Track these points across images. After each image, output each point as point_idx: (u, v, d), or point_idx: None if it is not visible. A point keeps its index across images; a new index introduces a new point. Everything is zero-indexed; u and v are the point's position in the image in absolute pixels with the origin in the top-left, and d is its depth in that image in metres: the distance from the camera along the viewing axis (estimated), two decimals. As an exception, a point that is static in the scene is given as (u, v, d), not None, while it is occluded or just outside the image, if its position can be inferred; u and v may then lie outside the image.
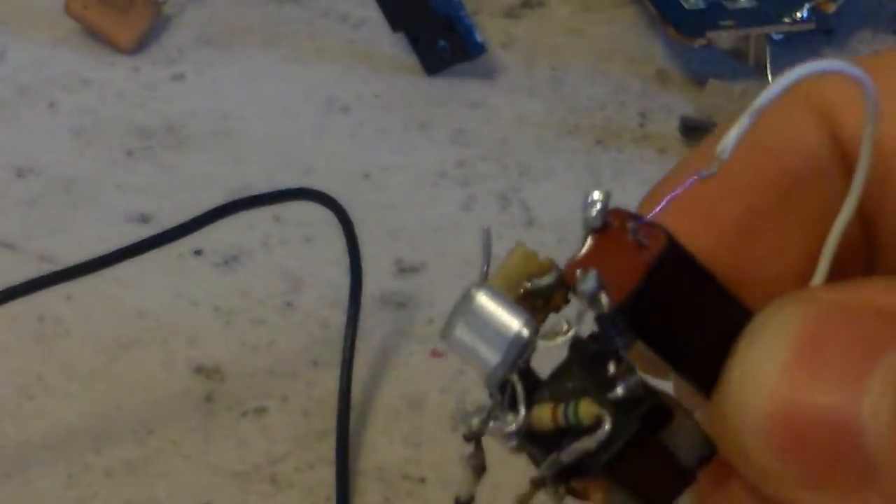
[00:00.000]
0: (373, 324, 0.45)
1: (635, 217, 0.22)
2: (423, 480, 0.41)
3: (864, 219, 0.24)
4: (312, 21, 0.56)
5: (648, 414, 0.21)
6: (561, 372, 0.22)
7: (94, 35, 0.54)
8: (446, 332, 0.22)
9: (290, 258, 0.47)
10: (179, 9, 0.56)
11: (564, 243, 0.47)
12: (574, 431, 0.21)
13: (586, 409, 0.21)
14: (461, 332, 0.22)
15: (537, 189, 0.49)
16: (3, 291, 0.40)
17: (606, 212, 0.22)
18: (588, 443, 0.21)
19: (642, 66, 0.53)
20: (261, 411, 0.43)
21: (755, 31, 0.51)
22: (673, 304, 0.22)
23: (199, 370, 0.44)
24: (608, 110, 0.52)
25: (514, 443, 0.22)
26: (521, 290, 0.22)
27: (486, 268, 0.22)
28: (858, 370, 0.20)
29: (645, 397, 0.21)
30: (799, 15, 0.51)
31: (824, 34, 0.54)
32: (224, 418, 0.43)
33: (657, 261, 0.21)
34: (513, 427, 0.21)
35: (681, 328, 0.22)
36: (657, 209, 0.22)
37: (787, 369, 0.21)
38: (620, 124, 0.51)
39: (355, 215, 0.43)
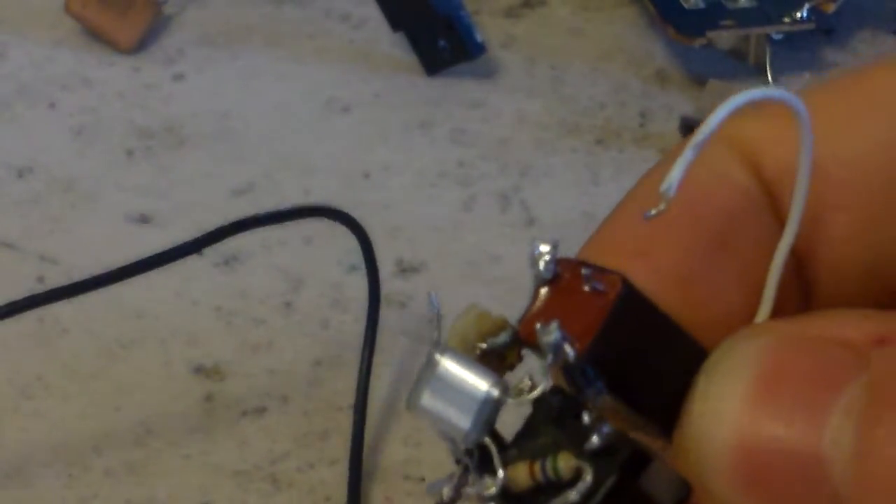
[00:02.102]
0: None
1: (586, 265, 0.22)
2: (423, 480, 0.41)
3: (798, 256, 0.24)
4: (312, 21, 0.56)
5: (627, 461, 0.21)
6: (527, 430, 0.22)
7: (94, 35, 0.54)
8: (412, 402, 0.21)
9: (290, 258, 0.47)
10: (179, 8, 0.56)
11: (564, 243, 0.47)
12: (553, 487, 0.21)
13: (565, 462, 0.21)
14: (428, 401, 0.21)
15: (537, 189, 0.49)
16: (22, 301, 0.40)
17: (556, 263, 0.22)
18: (570, 496, 0.21)
19: (642, 66, 0.53)
20: (261, 411, 0.43)
21: (755, 31, 0.51)
22: (632, 348, 0.21)
23: (199, 370, 0.44)
24: (608, 110, 0.52)
25: None
26: (477, 352, 0.22)
27: (437, 332, 0.22)
28: (818, 401, 0.20)
29: (622, 444, 0.21)
30: (799, 15, 0.51)
31: (824, 34, 0.54)
32: (224, 418, 0.43)
33: (615, 305, 0.21)
34: (492, 490, 0.21)
35: (640, 371, 0.22)
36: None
37: (747, 402, 0.21)
38: (620, 124, 0.51)
39: (355, 215, 0.43)
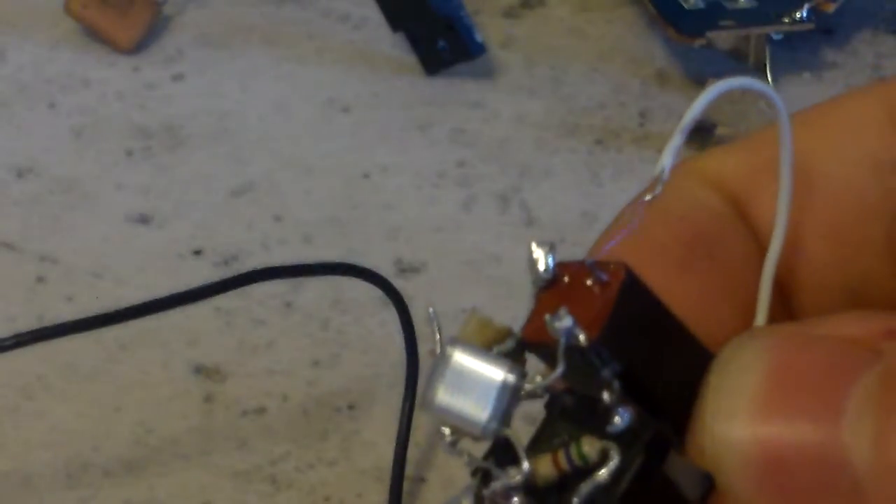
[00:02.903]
0: (372, 324, 0.45)
1: (586, 261, 0.22)
2: (423, 480, 0.41)
3: (779, 280, 0.24)
4: (312, 21, 0.56)
5: (652, 441, 0.21)
6: (542, 432, 0.22)
7: (94, 35, 0.54)
8: (427, 401, 0.21)
9: (290, 258, 0.47)
10: (179, 9, 0.56)
11: (564, 243, 0.47)
12: (579, 475, 0.21)
13: (590, 445, 0.21)
14: (443, 396, 0.21)
15: (537, 189, 0.49)
16: (85, 320, 0.40)
17: (556, 265, 0.22)
18: (601, 476, 0.20)
19: (642, 66, 0.53)
20: (260, 411, 0.43)
21: (755, 31, 0.51)
22: (638, 341, 0.21)
23: (199, 370, 0.44)
24: (608, 110, 0.52)
25: (518, 500, 0.21)
26: None
27: (439, 342, 0.21)
28: (833, 392, 0.20)
29: (644, 425, 0.21)
30: (798, 15, 0.51)
31: (824, 34, 0.54)
32: (224, 418, 0.43)
33: (622, 291, 0.21)
34: (518, 478, 0.21)
35: (646, 367, 0.22)
36: (618, 237, 0.22)
37: (761, 397, 0.21)
38: (620, 124, 0.51)
39: (355, 215, 0.43)
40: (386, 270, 0.46)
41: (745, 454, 0.21)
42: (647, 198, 0.22)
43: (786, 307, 0.25)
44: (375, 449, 0.42)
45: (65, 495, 0.41)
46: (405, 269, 0.47)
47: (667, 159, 0.22)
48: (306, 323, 0.45)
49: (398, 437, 0.41)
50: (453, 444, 0.21)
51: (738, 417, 0.21)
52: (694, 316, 0.23)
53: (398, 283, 0.46)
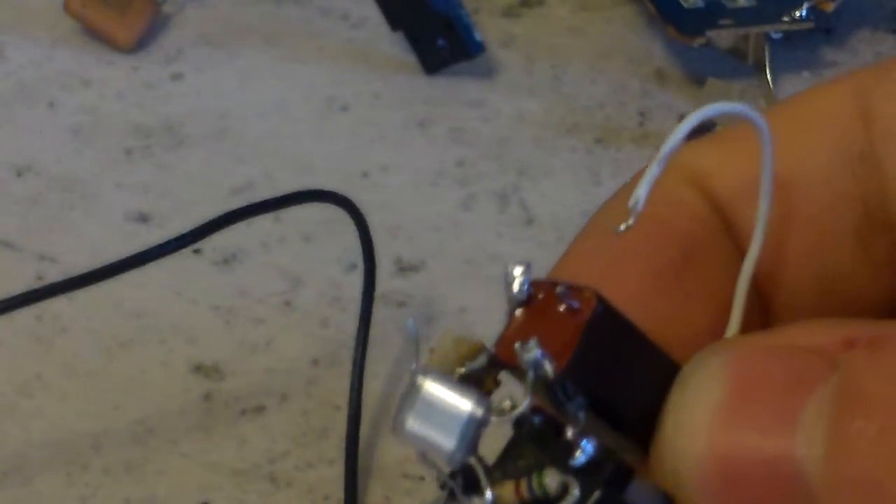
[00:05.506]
0: (372, 322, 0.45)
1: (560, 283, 0.22)
2: (422, 479, 0.41)
3: (755, 277, 0.24)
4: (312, 20, 0.56)
5: (612, 475, 0.21)
6: (509, 452, 0.22)
7: (94, 34, 0.55)
8: (397, 427, 0.21)
9: (289, 257, 0.47)
10: (179, 8, 0.56)
11: (564, 243, 0.47)
12: (539, 503, 0.21)
13: (551, 478, 0.21)
14: (413, 424, 0.21)
15: (537, 188, 0.49)
16: (13, 298, 0.40)
17: (530, 284, 0.22)
18: None
19: (641, 66, 0.53)
20: (260, 410, 0.43)
21: (754, 30, 0.51)
22: (608, 364, 0.22)
23: (198, 369, 0.44)
24: (607, 109, 0.52)
25: None
26: (456, 377, 0.22)
27: (416, 357, 0.22)
28: (789, 405, 0.21)
29: (606, 459, 0.21)
30: (798, 14, 0.51)
31: (823, 33, 0.54)
32: (223, 417, 0.43)
33: (591, 321, 0.21)
34: None
35: (617, 388, 0.22)
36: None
37: (719, 412, 0.21)
38: (620, 123, 0.51)
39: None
40: (385, 269, 0.46)
41: (703, 469, 0.21)
42: (622, 227, 0.22)
43: (764, 311, 0.25)
44: (374, 447, 0.42)
45: (64, 494, 0.41)
46: (405, 268, 0.47)
47: (642, 190, 0.22)
48: (306, 321, 0.45)
49: (351, 392, 0.41)
50: (423, 455, 0.22)
51: (696, 432, 0.21)
52: (669, 324, 0.23)
53: (397, 281, 0.46)
